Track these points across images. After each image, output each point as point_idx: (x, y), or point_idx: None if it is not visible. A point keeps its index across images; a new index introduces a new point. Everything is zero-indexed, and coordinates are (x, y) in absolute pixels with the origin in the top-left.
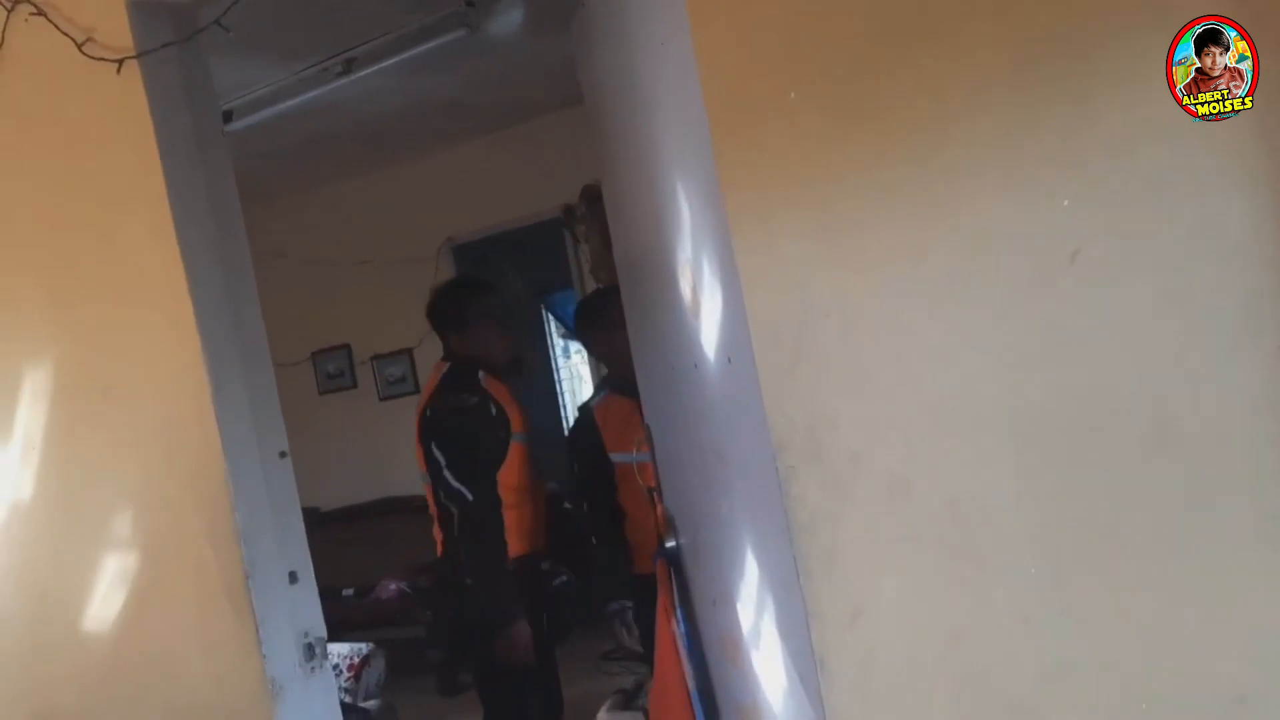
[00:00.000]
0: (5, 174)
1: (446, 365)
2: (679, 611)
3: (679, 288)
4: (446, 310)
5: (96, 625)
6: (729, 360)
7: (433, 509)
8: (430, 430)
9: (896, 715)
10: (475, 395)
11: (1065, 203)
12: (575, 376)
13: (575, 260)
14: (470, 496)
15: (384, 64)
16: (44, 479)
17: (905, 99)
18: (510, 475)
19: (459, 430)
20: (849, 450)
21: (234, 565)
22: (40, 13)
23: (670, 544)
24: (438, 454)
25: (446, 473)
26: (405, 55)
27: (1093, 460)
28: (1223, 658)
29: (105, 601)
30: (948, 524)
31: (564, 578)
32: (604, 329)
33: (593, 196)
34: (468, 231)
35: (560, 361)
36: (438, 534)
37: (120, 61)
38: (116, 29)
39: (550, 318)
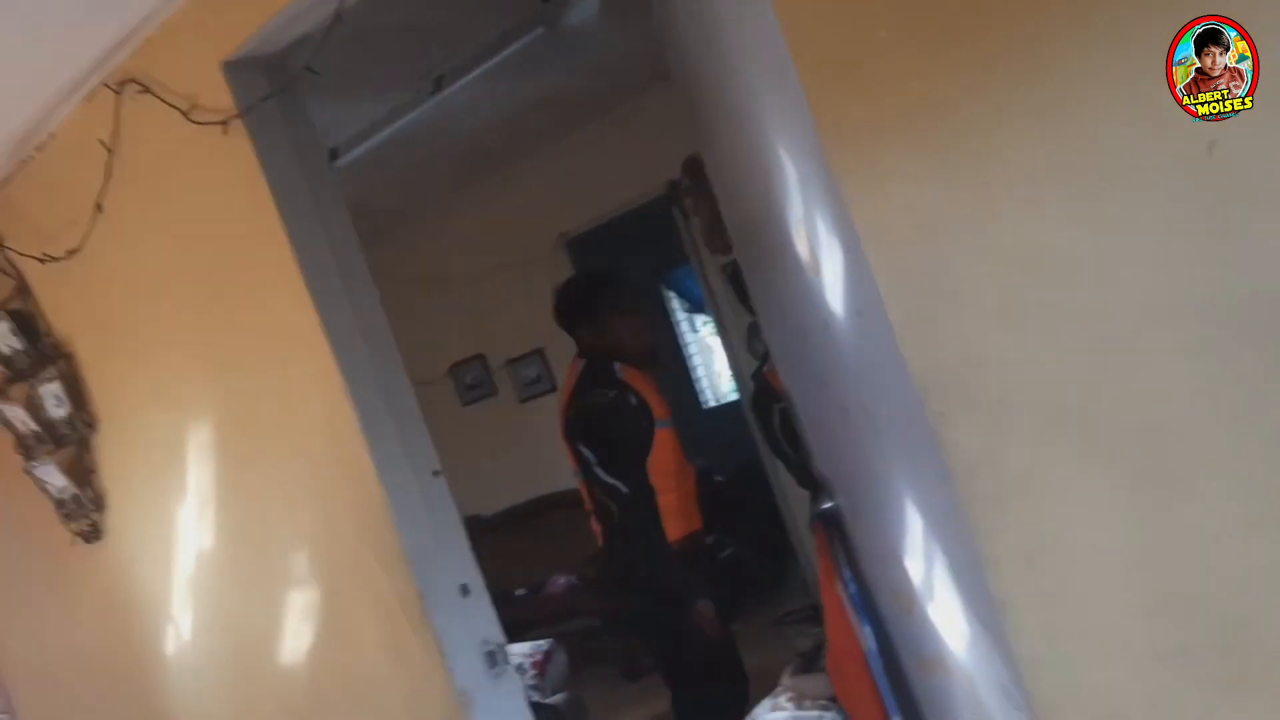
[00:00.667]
0: (146, 252)
1: (582, 362)
2: (846, 571)
3: (795, 249)
4: (573, 306)
5: (290, 657)
6: (859, 314)
7: (588, 504)
8: (576, 430)
9: (1089, 650)
10: (613, 389)
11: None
12: (706, 349)
13: (689, 234)
14: (625, 490)
15: (471, 75)
16: (221, 529)
17: (1002, 16)
18: (660, 462)
19: (603, 426)
20: (1000, 388)
21: (407, 585)
22: (146, 90)
23: (828, 505)
24: (586, 452)
25: (598, 470)
26: (490, 63)
27: (1268, 360)
28: None
29: (295, 635)
30: (1119, 449)
31: (730, 549)
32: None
33: (696, 168)
34: (580, 224)
35: (689, 337)
36: (595, 527)
37: (225, 122)
38: (217, 92)
39: (671, 295)
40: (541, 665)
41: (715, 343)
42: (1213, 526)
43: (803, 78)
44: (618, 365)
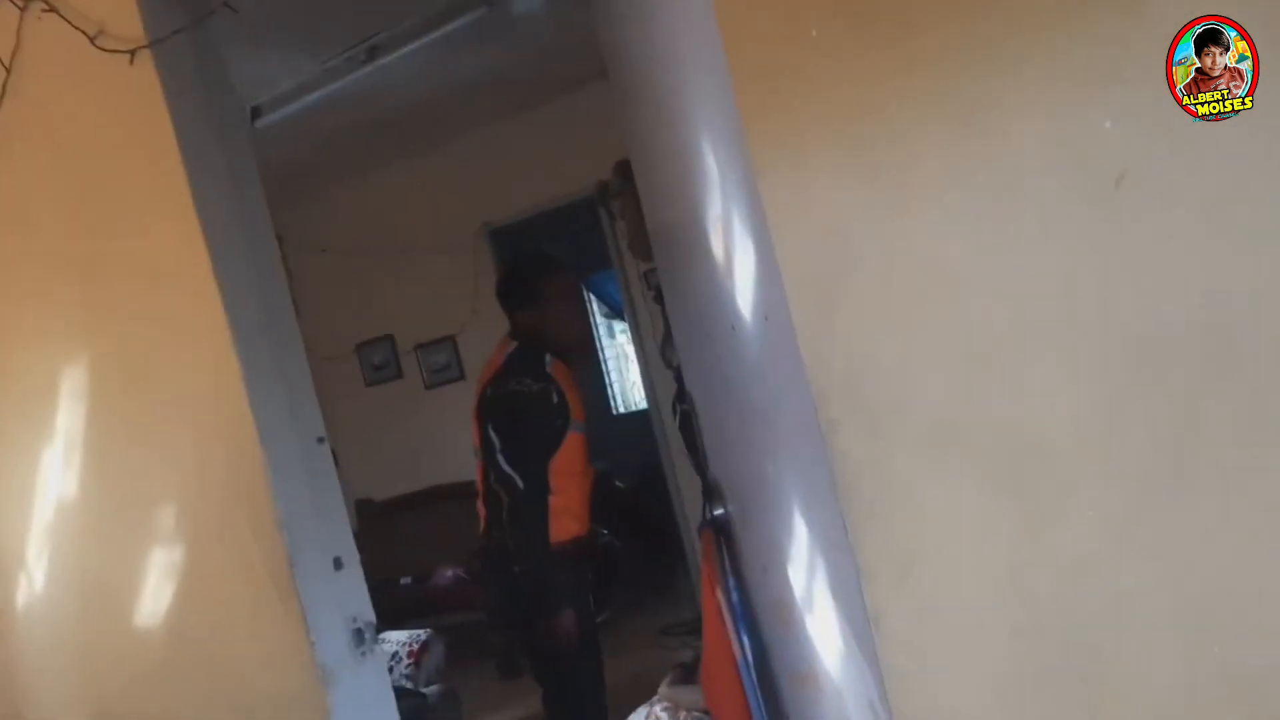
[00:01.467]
0: (31, 174)
1: (513, 345)
2: (730, 581)
3: (711, 249)
4: (520, 285)
5: (147, 618)
6: (766, 318)
7: (480, 485)
8: (489, 411)
9: (955, 668)
10: (539, 381)
11: (1107, 124)
12: (621, 355)
13: (614, 237)
14: (520, 485)
15: (407, 48)
16: (87, 477)
17: (930, 25)
18: (563, 463)
19: (519, 417)
20: (893, 398)
21: (277, 553)
22: (52, 9)
23: (718, 511)
24: (494, 436)
25: (499, 456)
26: (428, 38)
27: (1152, 391)
28: None
29: (154, 595)
30: (1000, 468)
31: (607, 535)
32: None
33: (626, 171)
34: (504, 215)
35: (605, 341)
36: (481, 509)
37: (132, 52)
38: (127, 19)
39: (592, 298)
40: (418, 655)
41: (632, 350)
42: (1080, 552)
43: (734, 70)
44: (549, 358)
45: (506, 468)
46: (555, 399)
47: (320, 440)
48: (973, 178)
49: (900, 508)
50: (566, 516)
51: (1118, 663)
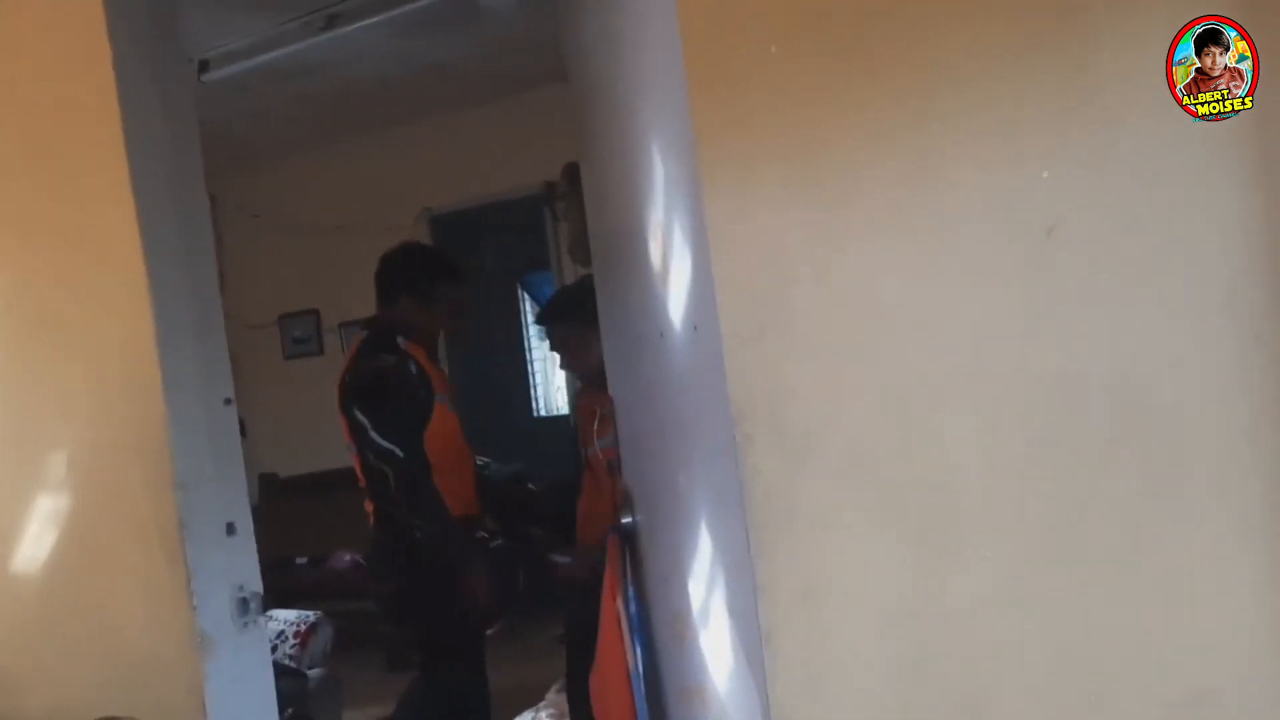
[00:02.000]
0: None
1: (364, 334)
2: (630, 590)
3: (649, 254)
4: (417, 278)
5: (27, 567)
6: (695, 328)
7: (361, 479)
8: (351, 395)
9: (840, 695)
10: (393, 355)
11: (1045, 174)
12: (548, 357)
13: (554, 239)
14: (401, 453)
15: (368, 21)
16: None
17: (892, 58)
18: (438, 439)
19: (380, 389)
20: (809, 421)
21: (169, 513)
22: None
23: (626, 520)
24: (361, 417)
25: (373, 434)
26: (390, 14)
27: (1059, 445)
28: (1176, 654)
29: (37, 543)
30: (907, 502)
31: (500, 541)
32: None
33: (575, 175)
34: (447, 202)
35: (534, 343)
36: (369, 506)
37: None
38: None
39: (525, 298)
40: (305, 636)
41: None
42: (971, 597)
43: (690, 79)
44: (401, 338)
45: (383, 442)
46: (413, 369)
47: (227, 402)
48: (911, 216)
49: (804, 531)
50: (455, 497)
51: (997, 709)
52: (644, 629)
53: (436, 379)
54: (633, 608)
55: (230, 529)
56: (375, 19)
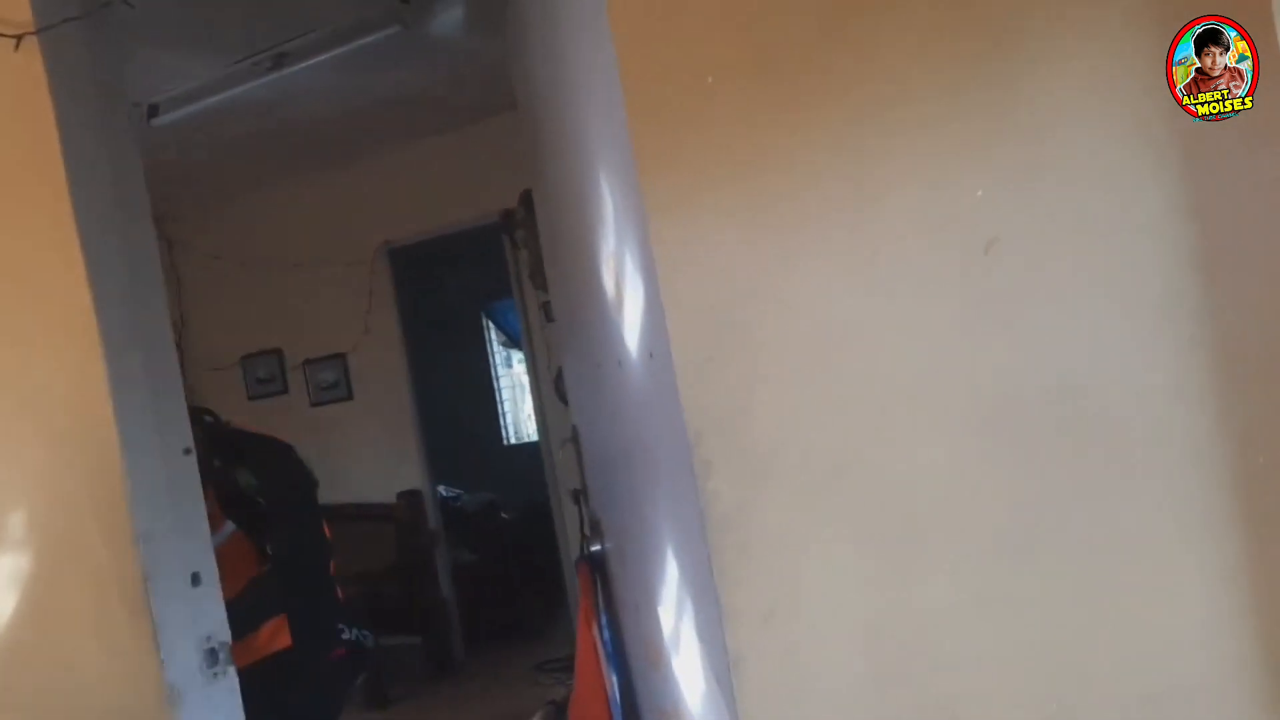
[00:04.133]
0: None
1: None
2: (603, 617)
3: (603, 284)
4: None
5: None
6: (651, 355)
7: None
8: None
9: (811, 714)
10: None
11: (979, 193)
12: (516, 385)
13: (515, 266)
14: None
15: (316, 59)
16: None
17: (826, 83)
18: None
19: None
20: (765, 443)
21: (131, 566)
22: None
23: (595, 548)
24: None
25: None
26: (338, 51)
27: (1009, 452)
28: (1133, 654)
29: None
30: (866, 517)
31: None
32: None
33: (532, 202)
34: (405, 236)
35: (501, 370)
36: None
37: (18, 38)
38: (15, 3)
39: (491, 326)
40: None
41: (526, 380)
42: (935, 605)
43: (630, 109)
44: None
45: None
46: None
47: (186, 451)
48: (853, 237)
49: (767, 553)
50: None
51: (967, 713)
52: (619, 654)
53: None
54: (607, 635)
55: (195, 579)
56: (323, 57)
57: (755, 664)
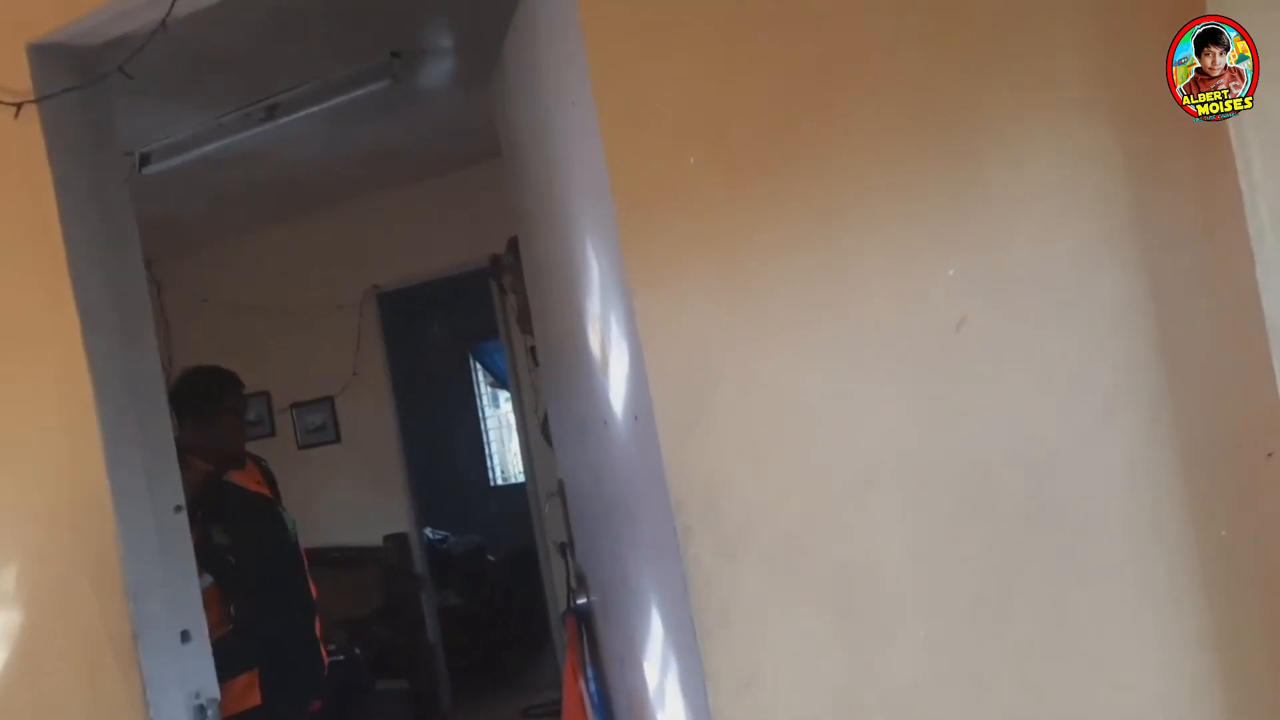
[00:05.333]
0: None
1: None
2: (589, 670)
3: (589, 344)
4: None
5: None
6: (635, 418)
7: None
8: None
9: None
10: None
11: (951, 272)
12: (504, 425)
13: (502, 310)
14: None
15: (307, 111)
16: None
17: (801, 166)
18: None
19: None
20: (742, 512)
21: (121, 623)
22: None
23: (581, 600)
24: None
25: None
26: (329, 104)
27: (977, 526)
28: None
29: None
30: (838, 587)
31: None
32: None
33: (519, 248)
34: (394, 280)
35: (488, 410)
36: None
37: (18, 106)
38: (15, 72)
39: (478, 366)
40: None
41: (513, 420)
42: (907, 675)
43: (613, 185)
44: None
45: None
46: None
47: (178, 509)
48: (825, 313)
49: (745, 620)
50: None
51: None
52: (605, 706)
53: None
54: (593, 687)
55: (185, 636)
56: (314, 109)
57: None
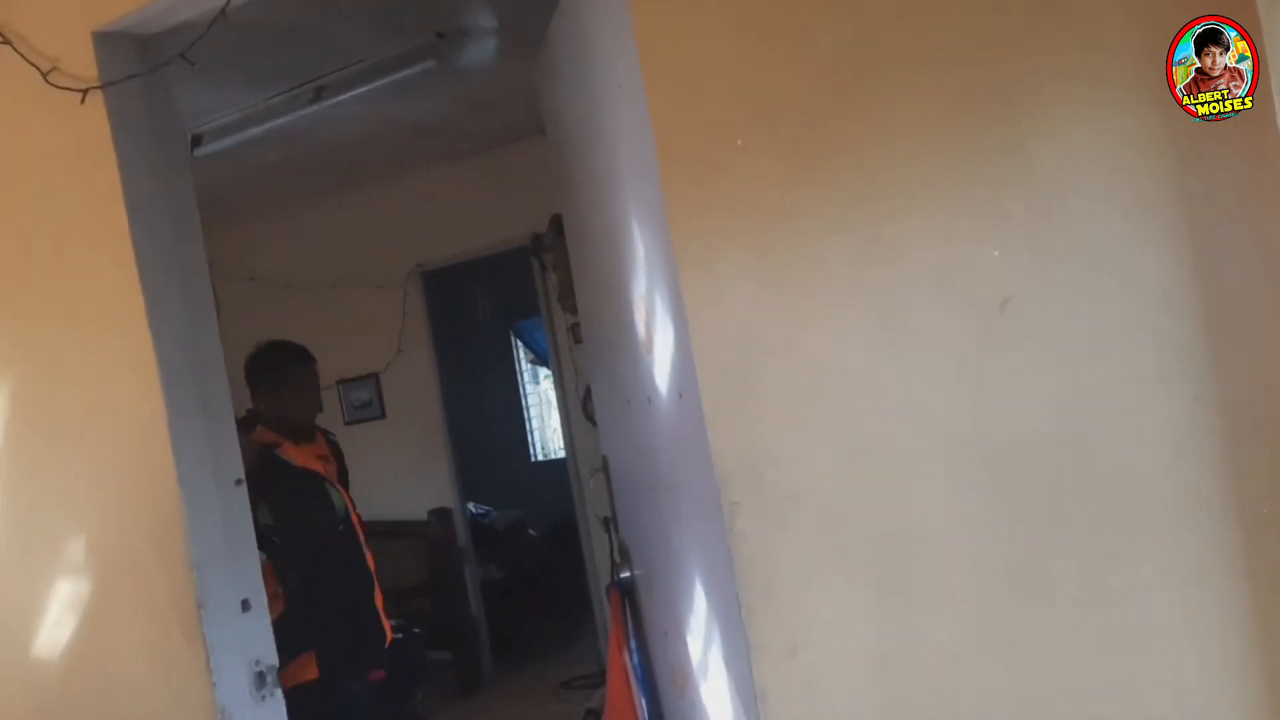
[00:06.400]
0: None
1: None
2: (632, 642)
3: (634, 323)
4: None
5: (47, 650)
6: (680, 396)
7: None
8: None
9: None
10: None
11: (996, 253)
12: (544, 402)
13: (543, 288)
14: None
15: (354, 92)
16: None
17: (848, 146)
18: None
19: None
20: (788, 487)
21: (186, 593)
22: (6, 41)
23: (625, 574)
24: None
25: None
26: (375, 84)
27: (1020, 500)
28: (1136, 700)
29: (57, 626)
30: (882, 559)
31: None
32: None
33: (561, 226)
34: (437, 258)
35: (529, 387)
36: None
37: (84, 92)
38: (82, 59)
39: (519, 344)
40: None
41: (553, 397)
42: (947, 644)
43: (662, 166)
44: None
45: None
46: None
47: (238, 482)
48: (871, 293)
49: (789, 591)
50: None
51: None
52: (648, 679)
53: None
54: (636, 659)
55: (245, 605)
56: (359, 90)
57: (780, 698)
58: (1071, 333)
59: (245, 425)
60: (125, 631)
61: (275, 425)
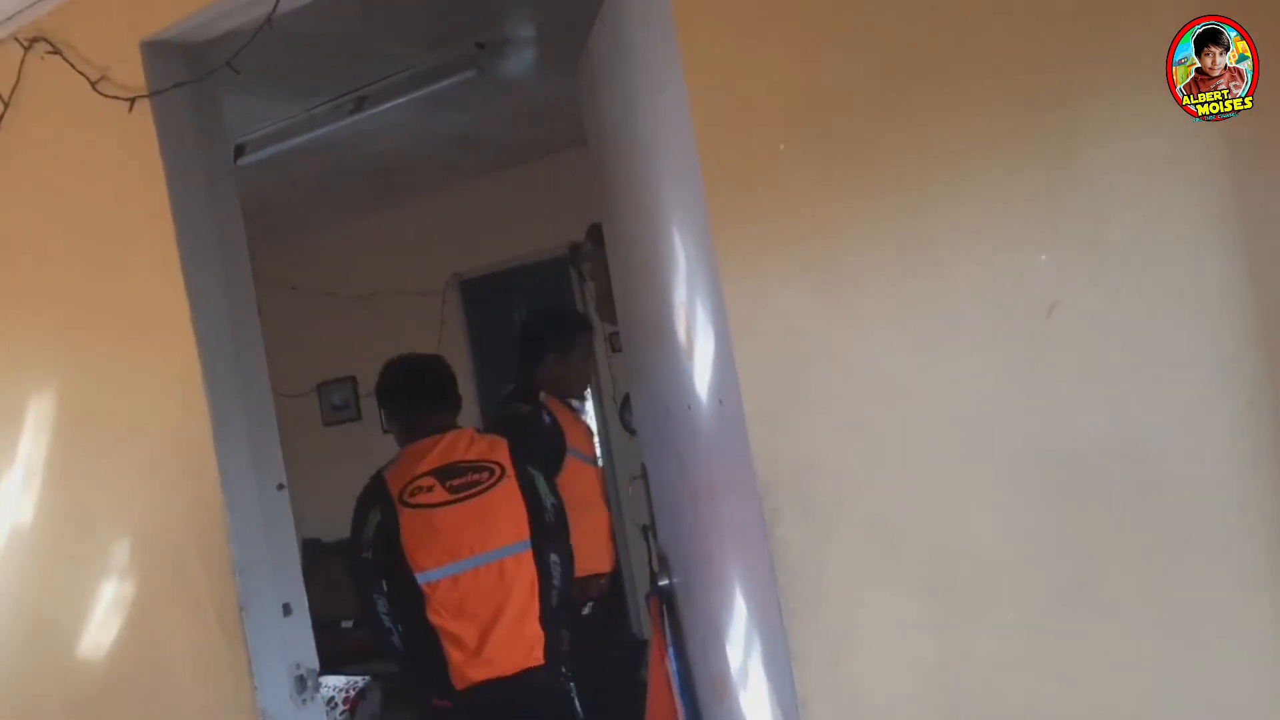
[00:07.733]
0: (18, 207)
1: (509, 388)
2: (672, 650)
3: (674, 329)
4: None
5: (90, 651)
6: (720, 402)
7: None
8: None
9: None
10: (530, 404)
11: (1043, 257)
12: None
13: (581, 297)
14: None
15: (395, 102)
16: (44, 505)
17: (892, 153)
18: (570, 490)
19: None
20: (832, 495)
21: (228, 596)
22: (56, 51)
23: (664, 582)
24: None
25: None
26: (416, 94)
27: (1070, 509)
28: (1192, 712)
29: (99, 628)
30: (928, 569)
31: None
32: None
33: (599, 235)
34: (476, 267)
35: None
36: None
37: (132, 100)
38: (129, 69)
39: None
40: (354, 702)
41: (590, 407)
42: (998, 654)
43: (705, 171)
44: (543, 393)
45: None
46: (547, 420)
47: (280, 487)
48: (917, 300)
49: (834, 599)
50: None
51: None
52: (688, 686)
53: (573, 434)
54: (675, 666)
55: (286, 609)
56: (400, 100)
57: (822, 708)
58: (1123, 336)
59: (518, 396)
60: (169, 634)
61: (560, 393)
